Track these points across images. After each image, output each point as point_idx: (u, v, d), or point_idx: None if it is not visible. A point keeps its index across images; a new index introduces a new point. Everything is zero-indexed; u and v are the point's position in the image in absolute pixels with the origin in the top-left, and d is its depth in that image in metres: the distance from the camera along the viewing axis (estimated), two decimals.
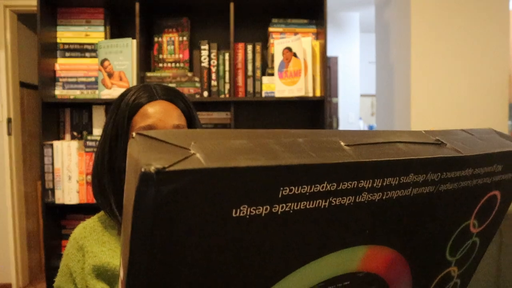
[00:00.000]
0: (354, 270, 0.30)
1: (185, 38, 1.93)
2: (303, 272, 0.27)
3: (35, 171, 3.04)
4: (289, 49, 1.80)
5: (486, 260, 1.24)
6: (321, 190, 0.24)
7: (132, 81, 1.80)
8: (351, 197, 0.26)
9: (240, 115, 2.02)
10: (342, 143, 0.26)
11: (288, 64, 1.81)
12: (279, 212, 0.23)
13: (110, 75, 1.81)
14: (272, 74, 1.88)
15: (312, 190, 0.24)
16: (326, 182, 0.24)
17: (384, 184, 0.27)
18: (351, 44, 4.48)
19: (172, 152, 0.20)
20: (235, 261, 0.24)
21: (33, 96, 3.04)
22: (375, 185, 0.27)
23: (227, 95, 1.88)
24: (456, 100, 2.56)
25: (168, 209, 0.20)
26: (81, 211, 1.86)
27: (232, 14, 1.82)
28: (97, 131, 1.89)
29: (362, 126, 5.10)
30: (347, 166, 0.25)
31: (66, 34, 1.88)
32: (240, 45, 1.91)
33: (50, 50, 1.84)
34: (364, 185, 0.26)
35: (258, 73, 1.91)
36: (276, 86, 1.84)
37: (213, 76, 1.89)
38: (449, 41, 2.54)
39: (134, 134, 0.21)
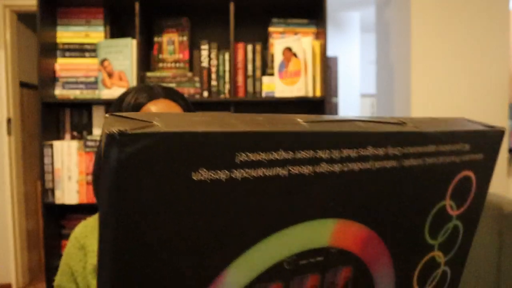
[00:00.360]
0: (326, 245, 0.30)
1: (185, 38, 1.92)
2: (269, 243, 0.27)
3: (35, 171, 3.04)
4: (289, 49, 1.80)
5: (486, 260, 1.24)
6: (278, 158, 0.25)
7: (132, 81, 1.80)
8: (309, 166, 0.27)
9: None
10: (299, 120, 0.27)
11: (288, 64, 1.81)
12: (239, 178, 0.24)
13: (110, 75, 1.81)
14: (272, 74, 1.88)
15: (269, 158, 0.25)
16: (281, 150, 0.25)
17: (343, 155, 0.28)
18: (351, 44, 4.48)
19: (137, 122, 0.22)
20: (199, 228, 0.24)
21: (33, 96, 3.04)
22: (333, 156, 0.28)
23: (227, 95, 1.88)
24: (456, 100, 2.56)
25: (131, 171, 0.21)
26: (81, 211, 1.86)
27: (232, 14, 1.82)
28: (97, 131, 1.89)
29: None
30: (302, 135, 0.26)
31: (66, 34, 1.88)
32: (240, 45, 1.91)
33: (50, 50, 1.84)
34: (322, 155, 0.27)
35: (258, 73, 1.91)
36: (276, 86, 1.84)
37: (213, 76, 1.89)
38: (449, 41, 2.54)
39: (107, 115, 0.23)
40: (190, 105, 0.78)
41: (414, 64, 2.56)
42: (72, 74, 1.86)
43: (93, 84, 1.86)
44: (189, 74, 1.88)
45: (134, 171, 0.21)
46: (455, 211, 0.37)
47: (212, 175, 0.23)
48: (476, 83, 2.56)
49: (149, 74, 1.85)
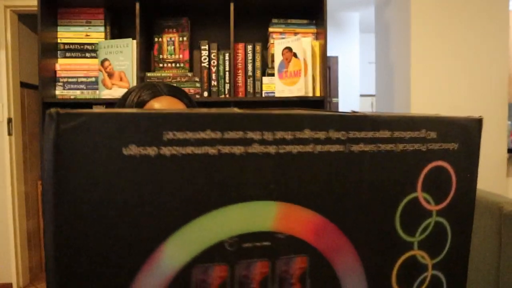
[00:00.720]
0: (270, 229, 0.30)
1: (185, 38, 1.93)
2: (206, 221, 0.28)
3: (35, 171, 3.05)
4: (289, 49, 1.81)
5: (486, 260, 1.24)
6: (205, 137, 0.27)
7: (132, 81, 1.81)
8: (240, 147, 0.28)
9: None
10: (235, 109, 0.29)
11: (288, 64, 1.81)
12: (168, 155, 0.26)
13: (110, 75, 1.81)
14: (272, 74, 1.88)
15: (196, 137, 0.27)
16: (209, 130, 0.27)
17: (277, 137, 0.29)
18: (351, 44, 4.48)
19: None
20: (132, 201, 0.26)
21: (34, 96, 3.04)
22: (265, 137, 0.28)
23: (227, 95, 1.88)
24: (456, 100, 2.57)
25: (67, 146, 0.24)
26: None
27: (232, 14, 1.83)
28: None
29: None
30: (229, 116, 0.28)
31: (66, 34, 1.89)
32: (240, 45, 1.91)
33: (51, 50, 1.84)
34: (253, 136, 0.28)
35: (258, 73, 1.91)
36: (276, 86, 1.85)
37: (213, 76, 1.89)
38: (449, 41, 2.54)
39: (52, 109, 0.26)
40: (194, 103, 0.78)
41: (413, 64, 2.56)
42: (72, 74, 1.87)
43: (93, 84, 1.86)
44: (189, 74, 1.88)
45: (70, 146, 0.24)
46: (433, 206, 0.35)
47: (141, 151, 0.26)
48: (476, 83, 2.56)
49: (149, 74, 1.86)
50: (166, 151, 0.26)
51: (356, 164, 0.32)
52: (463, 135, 0.35)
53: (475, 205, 0.38)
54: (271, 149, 0.29)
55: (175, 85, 0.78)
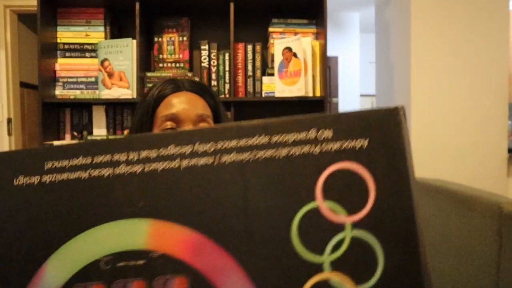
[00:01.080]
0: (143, 247, 0.30)
1: (185, 38, 1.93)
2: (81, 241, 0.30)
3: None
4: (289, 49, 1.80)
5: (486, 260, 1.24)
6: (77, 163, 0.31)
7: (132, 81, 1.81)
8: (109, 168, 0.31)
9: (240, 115, 2.02)
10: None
11: (288, 64, 1.81)
12: (47, 182, 0.31)
13: (110, 75, 1.81)
14: (272, 74, 1.88)
15: (70, 164, 0.31)
16: (81, 157, 0.31)
17: (142, 156, 0.31)
18: (351, 44, 4.48)
19: None
20: (20, 228, 0.31)
21: (33, 96, 3.04)
22: (130, 158, 0.31)
23: (227, 95, 1.88)
24: (456, 100, 2.57)
25: None
26: None
27: (232, 14, 1.83)
28: (97, 131, 1.90)
29: None
30: (99, 142, 0.32)
31: (66, 34, 1.88)
32: (240, 45, 1.91)
33: (50, 50, 1.84)
34: (120, 158, 0.31)
35: (258, 73, 1.91)
36: (276, 86, 1.84)
37: (213, 76, 1.89)
38: (449, 41, 2.54)
39: None
40: (218, 101, 0.75)
41: (413, 64, 2.56)
42: (72, 74, 1.87)
43: (93, 84, 1.86)
44: (189, 74, 1.88)
45: None
46: (344, 217, 0.29)
47: (27, 180, 0.31)
48: (476, 83, 2.56)
49: (149, 74, 1.86)
50: (47, 178, 0.31)
51: (231, 175, 0.29)
52: (375, 129, 0.29)
53: (417, 215, 0.28)
54: (137, 168, 0.31)
55: (202, 83, 0.76)
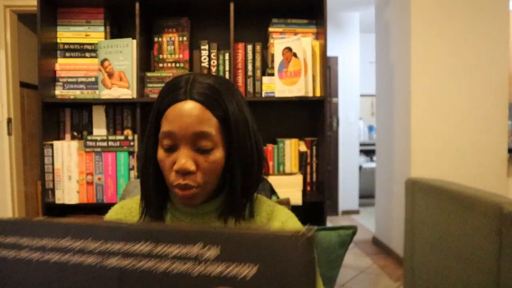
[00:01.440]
0: None
1: (185, 38, 1.93)
2: None
3: (35, 171, 3.04)
4: (289, 49, 1.80)
5: (486, 260, 1.24)
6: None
7: (132, 81, 1.81)
8: (13, 251, 0.33)
9: None
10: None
11: (288, 64, 1.81)
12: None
13: (110, 75, 1.81)
14: (272, 74, 1.88)
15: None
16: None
17: (39, 244, 0.33)
18: (351, 44, 4.48)
19: None
20: None
21: (33, 96, 3.04)
22: (33, 244, 0.32)
23: None
24: (456, 100, 2.57)
25: None
26: (81, 211, 1.86)
27: (232, 14, 1.83)
28: (97, 131, 1.89)
29: (362, 126, 5.10)
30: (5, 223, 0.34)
31: (66, 34, 1.88)
32: (240, 45, 1.91)
33: (50, 50, 1.84)
34: (24, 243, 0.33)
35: (258, 73, 1.91)
36: (276, 86, 1.84)
37: None
38: (449, 41, 2.54)
39: None
40: (230, 111, 0.65)
41: (413, 64, 2.56)
42: (72, 74, 1.87)
43: (93, 84, 1.86)
44: None
45: None
46: None
47: None
48: (476, 83, 2.56)
49: (149, 74, 1.85)
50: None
51: (112, 281, 0.28)
52: (267, 255, 0.24)
53: None
54: (35, 256, 0.32)
55: (216, 87, 0.65)
